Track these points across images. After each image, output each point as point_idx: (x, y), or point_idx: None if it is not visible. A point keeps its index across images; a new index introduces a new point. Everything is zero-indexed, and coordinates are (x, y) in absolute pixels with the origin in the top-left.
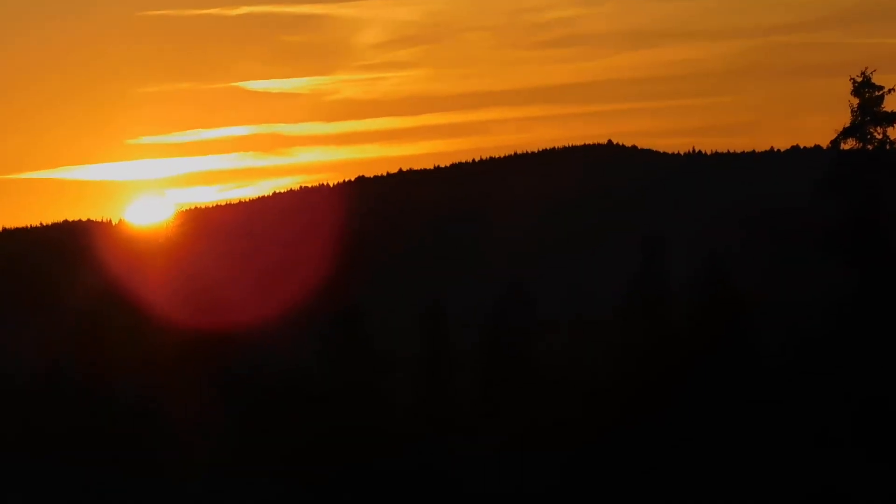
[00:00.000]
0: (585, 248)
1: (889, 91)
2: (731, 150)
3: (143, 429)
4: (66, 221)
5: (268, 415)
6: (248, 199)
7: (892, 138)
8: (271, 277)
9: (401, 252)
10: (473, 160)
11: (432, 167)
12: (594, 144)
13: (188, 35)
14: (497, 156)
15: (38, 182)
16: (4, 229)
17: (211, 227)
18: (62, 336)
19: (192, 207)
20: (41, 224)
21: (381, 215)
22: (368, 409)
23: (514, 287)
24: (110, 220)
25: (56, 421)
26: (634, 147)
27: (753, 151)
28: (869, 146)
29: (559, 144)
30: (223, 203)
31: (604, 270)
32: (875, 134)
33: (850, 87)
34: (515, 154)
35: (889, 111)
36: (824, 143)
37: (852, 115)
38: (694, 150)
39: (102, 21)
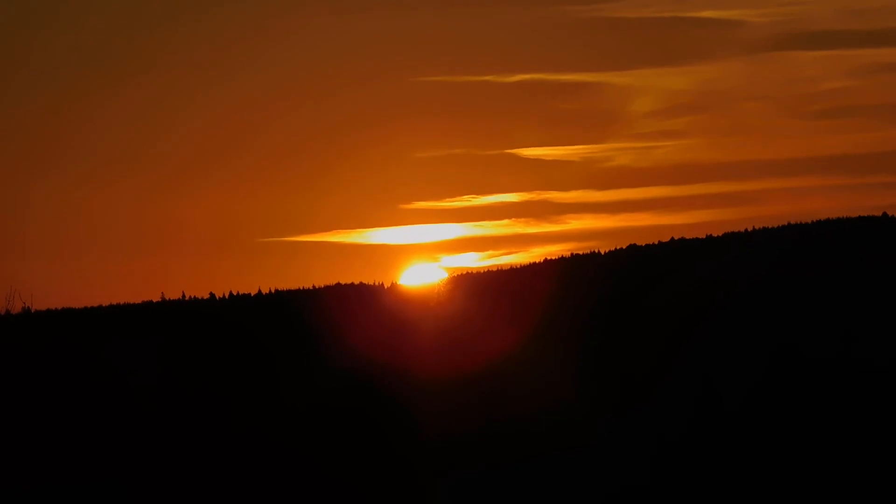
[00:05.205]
0: (856, 314)
1: None
2: None
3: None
4: (338, 284)
5: None
6: (518, 265)
7: None
8: (539, 341)
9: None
10: (746, 230)
11: (704, 236)
12: (869, 216)
13: (463, 101)
14: (770, 226)
15: (313, 245)
16: (277, 291)
17: (481, 291)
18: (331, 396)
19: (464, 272)
20: (313, 286)
21: (652, 283)
22: None
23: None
24: (382, 284)
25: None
26: None
27: None
28: None
29: (833, 215)
30: (494, 268)
31: (874, 344)
32: None
33: None
34: (789, 224)
35: None
36: None
37: None
38: None
39: (379, 86)
